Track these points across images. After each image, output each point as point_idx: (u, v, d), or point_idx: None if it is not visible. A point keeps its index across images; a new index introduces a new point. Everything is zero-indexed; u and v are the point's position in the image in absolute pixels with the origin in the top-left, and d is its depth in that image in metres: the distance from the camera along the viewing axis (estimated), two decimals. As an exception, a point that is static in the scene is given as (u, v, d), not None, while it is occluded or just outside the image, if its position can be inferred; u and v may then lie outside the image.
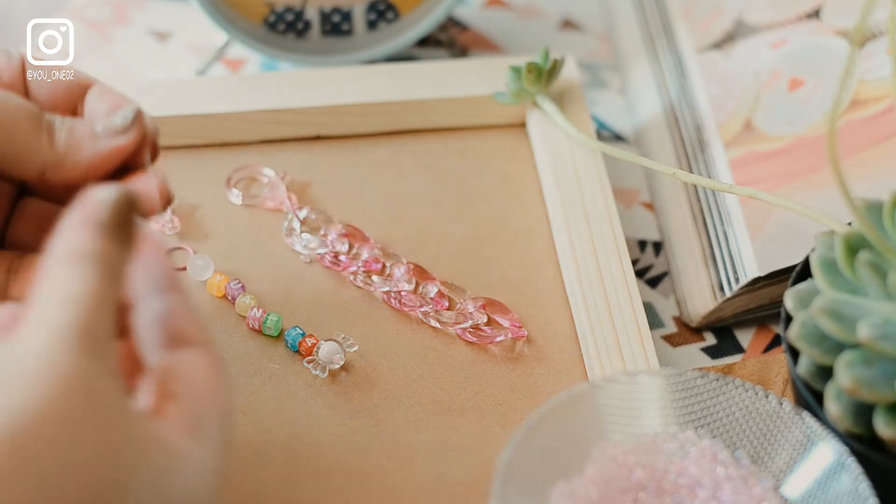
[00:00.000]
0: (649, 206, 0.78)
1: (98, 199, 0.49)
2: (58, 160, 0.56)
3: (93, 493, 0.44)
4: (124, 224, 0.49)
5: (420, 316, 0.69)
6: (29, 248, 0.58)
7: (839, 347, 0.57)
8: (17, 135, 0.55)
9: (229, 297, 0.69)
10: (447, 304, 0.69)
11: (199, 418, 0.49)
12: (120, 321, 0.50)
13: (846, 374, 0.55)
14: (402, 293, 0.69)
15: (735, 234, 0.72)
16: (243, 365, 0.67)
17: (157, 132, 0.58)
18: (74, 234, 0.48)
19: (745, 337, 0.72)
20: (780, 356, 0.70)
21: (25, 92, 0.58)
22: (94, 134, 0.56)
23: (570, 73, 0.77)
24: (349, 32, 0.80)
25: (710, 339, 0.72)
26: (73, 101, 0.59)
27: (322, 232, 0.72)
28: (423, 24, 0.80)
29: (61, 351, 0.45)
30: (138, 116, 0.56)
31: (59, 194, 0.58)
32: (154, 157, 0.58)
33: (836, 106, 0.53)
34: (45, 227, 0.56)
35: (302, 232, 0.72)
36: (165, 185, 0.56)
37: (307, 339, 0.67)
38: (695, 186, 0.75)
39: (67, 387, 0.44)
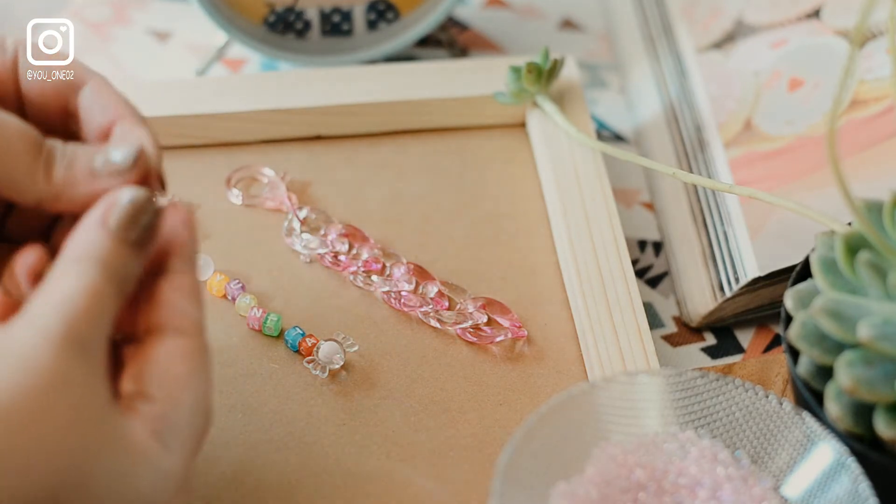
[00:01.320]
0: (649, 206, 0.78)
1: (114, 201, 0.50)
2: (54, 194, 0.52)
3: (52, 483, 0.46)
4: (137, 228, 0.49)
5: (420, 316, 0.69)
6: (24, 241, 0.56)
7: (839, 347, 0.57)
8: (13, 164, 0.51)
9: (229, 297, 0.69)
10: (447, 304, 0.69)
11: (170, 423, 0.49)
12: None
13: (846, 374, 0.55)
14: (402, 293, 0.69)
15: (735, 234, 0.72)
16: (243, 365, 0.67)
17: (161, 161, 0.54)
18: (85, 234, 0.49)
19: (745, 337, 0.72)
20: (780, 356, 0.70)
21: (17, 87, 0.56)
22: (93, 171, 0.52)
23: (570, 73, 0.77)
24: (349, 32, 0.80)
25: (710, 339, 0.72)
26: (63, 99, 0.56)
27: (322, 232, 0.72)
28: (423, 24, 0.80)
29: (45, 349, 0.46)
30: (140, 157, 0.52)
31: None
32: (163, 188, 0.54)
33: (836, 106, 0.53)
34: (38, 224, 0.57)
35: (302, 232, 0.72)
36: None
37: (307, 339, 0.67)
38: (695, 186, 0.75)
39: (44, 384, 0.46)
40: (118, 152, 0.52)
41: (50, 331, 0.47)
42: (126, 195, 0.50)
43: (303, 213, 0.72)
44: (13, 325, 0.47)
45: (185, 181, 0.74)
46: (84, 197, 0.52)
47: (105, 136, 0.54)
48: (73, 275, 0.48)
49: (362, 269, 0.70)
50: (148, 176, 0.53)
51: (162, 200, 0.51)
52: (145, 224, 0.50)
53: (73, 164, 0.52)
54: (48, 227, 0.57)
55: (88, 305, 0.47)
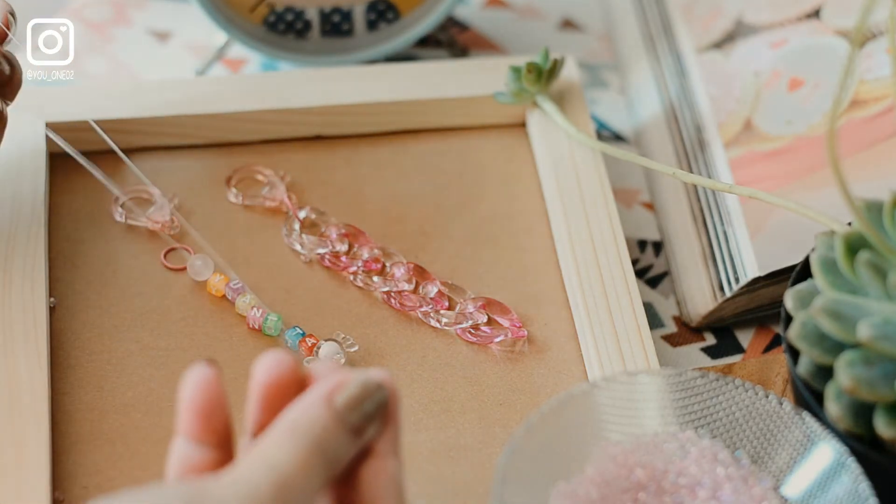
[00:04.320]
0: (649, 206, 0.78)
1: (344, 382, 0.50)
2: None
3: None
4: (360, 414, 0.50)
5: (420, 316, 0.69)
6: None
7: (839, 347, 0.57)
8: None
9: (229, 298, 0.69)
10: (447, 304, 0.69)
11: None
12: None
13: (846, 374, 0.55)
14: (402, 293, 0.69)
15: (735, 234, 0.72)
16: (243, 365, 0.66)
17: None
18: (308, 408, 0.49)
19: (745, 337, 0.72)
20: (780, 356, 0.70)
21: None
22: None
23: (570, 73, 0.77)
24: (349, 32, 0.80)
25: (710, 339, 0.72)
26: None
27: (322, 232, 0.72)
28: (423, 24, 0.80)
29: None
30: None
31: None
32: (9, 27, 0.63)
33: (836, 106, 0.53)
34: None
35: (302, 232, 0.72)
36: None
37: (307, 339, 0.67)
38: (695, 186, 0.75)
39: None
40: None
41: (259, 493, 0.47)
42: (357, 379, 0.50)
43: (303, 213, 0.72)
44: (221, 480, 0.48)
45: (185, 181, 0.74)
46: None
47: None
48: (289, 446, 0.48)
49: (362, 269, 0.70)
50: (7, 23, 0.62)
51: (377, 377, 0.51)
52: (368, 412, 0.50)
53: None
54: None
55: (297, 478, 0.48)
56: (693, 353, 0.71)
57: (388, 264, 0.70)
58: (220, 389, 0.50)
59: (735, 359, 0.71)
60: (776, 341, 0.72)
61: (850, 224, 0.59)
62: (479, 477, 0.63)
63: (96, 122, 0.72)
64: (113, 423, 0.64)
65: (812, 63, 0.77)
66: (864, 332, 0.55)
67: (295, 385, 0.51)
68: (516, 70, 0.74)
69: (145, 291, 0.69)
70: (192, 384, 0.50)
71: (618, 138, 0.82)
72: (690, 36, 0.82)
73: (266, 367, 0.51)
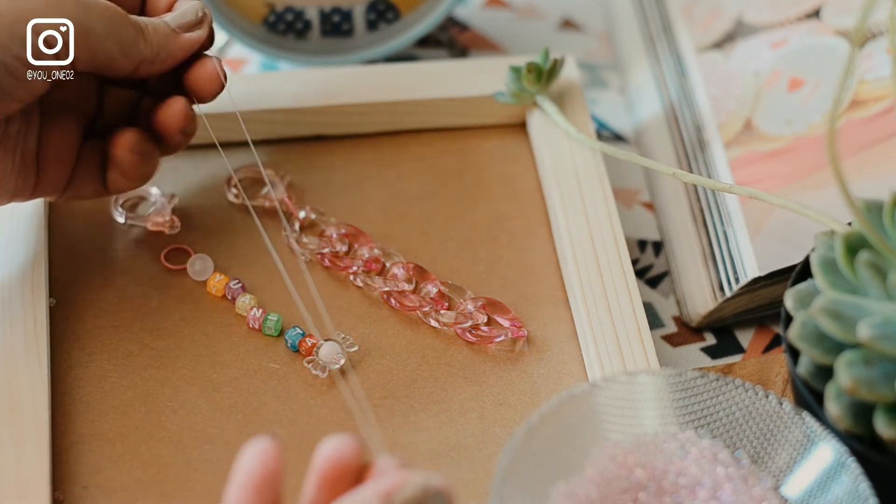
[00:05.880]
0: (649, 206, 0.78)
1: (406, 481, 0.49)
2: (153, 55, 0.64)
3: None
4: None
5: (420, 316, 0.69)
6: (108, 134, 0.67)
7: (839, 347, 0.57)
8: (124, 33, 0.63)
9: (229, 297, 0.69)
10: (447, 304, 0.69)
11: None
12: None
13: (846, 374, 0.55)
14: (403, 293, 0.69)
15: (735, 234, 0.72)
16: (243, 365, 0.67)
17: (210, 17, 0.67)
18: (364, 501, 0.49)
19: (745, 337, 0.72)
20: (780, 356, 0.70)
21: None
22: (173, 29, 0.65)
23: (570, 73, 0.77)
24: (349, 32, 0.80)
25: (710, 339, 0.72)
26: None
27: (322, 232, 0.72)
28: (423, 24, 0.80)
29: None
30: (204, 12, 0.65)
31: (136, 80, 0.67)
32: (211, 42, 0.67)
33: (836, 106, 0.53)
34: (128, 111, 0.68)
35: (302, 232, 0.72)
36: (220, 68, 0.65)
37: (307, 339, 0.67)
38: (695, 186, 0.75)
39: None
40: (188, 10, 0.65)
41: None
42: (417, 482, 0.49)
43: (303, 213, 0.72)
44: None
45: (185, 181, 0.74)
46: (176, 56, 0.65)
47: (170, 10, 0.66)
48: None
49: (362, 269, 0.70)
50: (212, 35, 0.66)
51: None
52: None
53: (157, 27, 0.64)
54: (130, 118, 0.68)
55: None
56: (693, 353, 0.71)
57: (388, 264, 0.70)
58: (280, 466, 0.50)
59: (735, 359, 0.71)
60: (776, 341, 0.72)
61: (850, 224, 0.59)
62: (479, 477, 0.63)
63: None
64: (113, 423, 0.64)
65: (812, 63, 0.77)
66: (864, 332, 0.55)
67: (355, 472, 0.50)
68: (516, 70, 0.74)
69: (145, 291, 0.69)
70: (253, 457, 0.50)
71: (618, 138, 0.82)
72: (690, 36, 0.82)
73: (331, 450, 0.50)
